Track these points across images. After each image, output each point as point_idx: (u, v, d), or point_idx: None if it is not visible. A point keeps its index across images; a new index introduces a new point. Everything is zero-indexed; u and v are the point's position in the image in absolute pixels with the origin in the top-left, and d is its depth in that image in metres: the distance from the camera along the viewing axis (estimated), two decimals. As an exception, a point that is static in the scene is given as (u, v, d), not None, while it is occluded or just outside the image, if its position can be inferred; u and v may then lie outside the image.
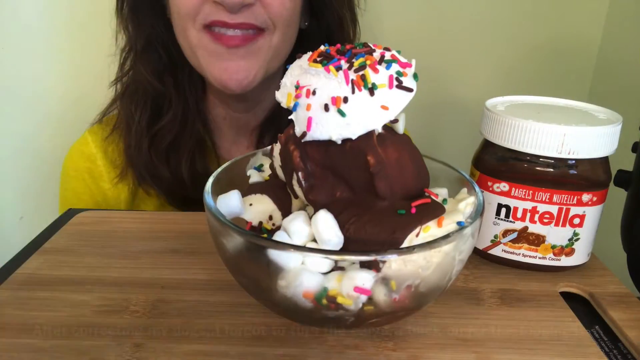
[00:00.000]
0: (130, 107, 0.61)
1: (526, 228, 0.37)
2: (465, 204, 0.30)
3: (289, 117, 0.29)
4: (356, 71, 0.28)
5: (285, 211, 0.32)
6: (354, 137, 0.28)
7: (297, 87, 0.29)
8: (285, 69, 0.31)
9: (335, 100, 0.27)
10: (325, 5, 0.59)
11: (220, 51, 0.55)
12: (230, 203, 0.31)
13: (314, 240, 0.29)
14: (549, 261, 0.38)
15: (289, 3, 0.55)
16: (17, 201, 0.83)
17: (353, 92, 0.27)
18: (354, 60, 0.28)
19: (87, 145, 0.63)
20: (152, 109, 0.60)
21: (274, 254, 0.27)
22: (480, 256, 0.40)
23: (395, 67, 0.28)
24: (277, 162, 0.33)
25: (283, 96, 0.30)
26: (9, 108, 0.78)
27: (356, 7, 0.64)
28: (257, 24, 0.54)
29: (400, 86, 0.28)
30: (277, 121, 0.63)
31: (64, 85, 0.77)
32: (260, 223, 0.32)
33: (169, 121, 0.60)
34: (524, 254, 0.38)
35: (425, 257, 0.26)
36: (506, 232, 0.38)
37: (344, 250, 0.28)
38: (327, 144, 0.28)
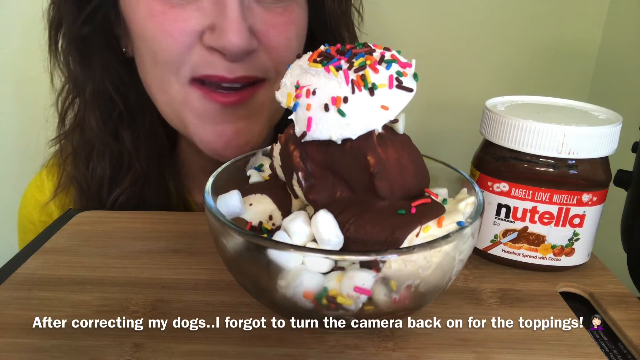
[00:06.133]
0: (84, 172, 0.51)
1: (526, 228, 0.37)
2: (465, 204, 0.30)
3: (289, 117, 0.29)
4: (356, 71, 0.28)
5: (285, 211, 0.32)
6: (354, 137, 0.28)
7: (297, 87, 0.29)
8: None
9: (335, 100, 0.27)
10: (326, 30, 0.51)
11: (212, 111, 0.44)
12: (230, 203, 0.31)
13: (314, 240, 0.29)
14: (549, 261, 0.38)
15: (296, 43, 0.46)
16: (17, 201, 0.83)
17: (353, 92, 0.27)
18: (354, 60, 0.28)
19: (43, 193, 0.54)
20: (112, 168, 0.50)
21: (274, 254, 0.27)
22: (480, 256, 0.40)
23: (395, 67, 0.28)
24: (277, 162, 0.33)
25: (283, 96, 0.30)
26: (9, 108, 0.78)
27: (356, 29, 0.56)
28: (259, 74, 0.44)
29: (400, 86, 0.28)
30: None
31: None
32: (260, 223, 0.32)
33: (129, 185, 0.50)
34: (524, 254, 0.38)
35: (425, 257, 0.26)
36: (506, 232, 0.38)
37: (344, 250, 0.28)
38: (327, 144, 0.28)
